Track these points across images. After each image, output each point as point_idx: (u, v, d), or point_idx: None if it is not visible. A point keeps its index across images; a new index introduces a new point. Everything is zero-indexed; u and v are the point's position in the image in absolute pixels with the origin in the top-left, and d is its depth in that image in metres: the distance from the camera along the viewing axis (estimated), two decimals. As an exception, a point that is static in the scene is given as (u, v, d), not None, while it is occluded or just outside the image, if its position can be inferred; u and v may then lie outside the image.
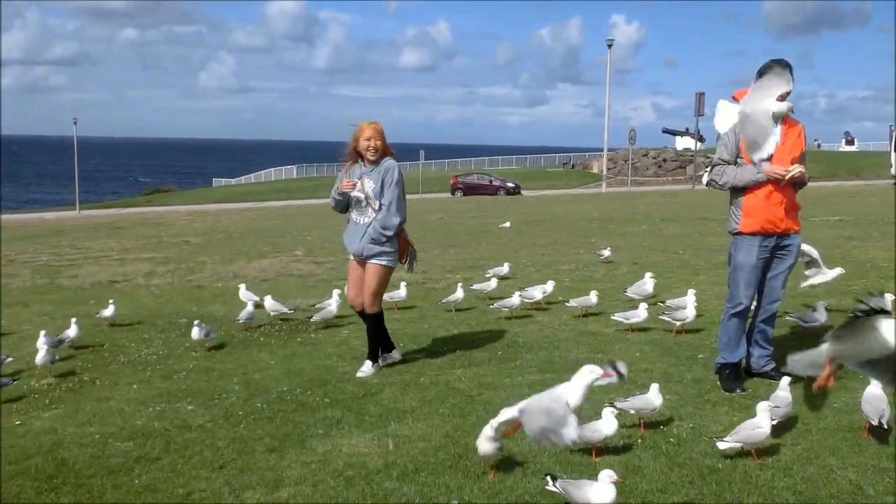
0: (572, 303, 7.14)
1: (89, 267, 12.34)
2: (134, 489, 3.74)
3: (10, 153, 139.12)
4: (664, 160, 52.06)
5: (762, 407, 3.84)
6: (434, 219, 20.82)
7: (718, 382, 5.01)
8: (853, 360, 2.99)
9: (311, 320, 7.18)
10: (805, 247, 6.84)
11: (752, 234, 4.91)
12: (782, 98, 4.76)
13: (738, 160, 4.95)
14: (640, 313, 6.39)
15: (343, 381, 5.39)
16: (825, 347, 2.89)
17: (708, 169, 5.37)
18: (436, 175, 54.11)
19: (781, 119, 4.82)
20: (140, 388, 5.41)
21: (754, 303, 5.15)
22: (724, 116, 5.07)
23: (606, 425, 3.83)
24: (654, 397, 4.19)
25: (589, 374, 3.50)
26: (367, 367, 5.59)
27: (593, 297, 7.08)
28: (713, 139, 7.27)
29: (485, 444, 3.63)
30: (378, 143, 5.53)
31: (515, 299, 7.13)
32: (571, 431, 3.34)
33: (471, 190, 42.27)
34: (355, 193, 5.55)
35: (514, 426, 3.66)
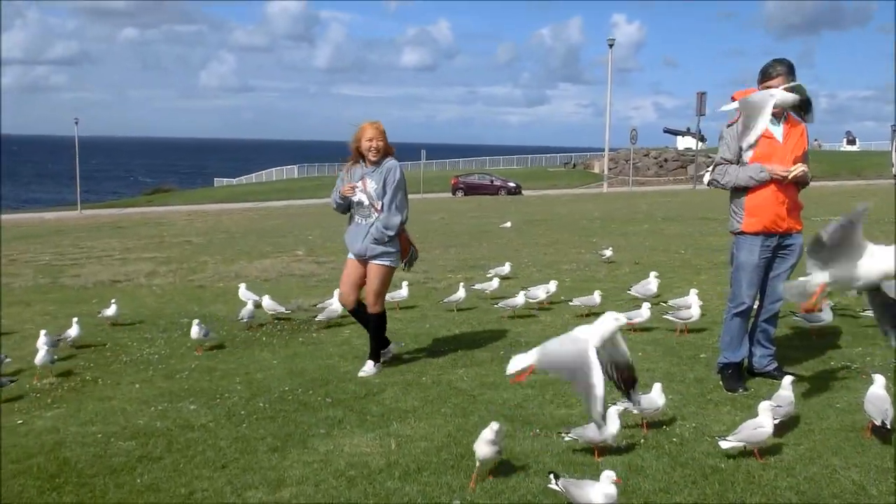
0: (576, 302, 7.14)
1: (91, 266, 12.35)
2: (136, 488, 3.74)
3: (10, 153, 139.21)
4: (665, 160, 52.04)
5: (764, 406, 3.83)
6: (435, 219, 20.82)
7: (721, 382, 5.00)
8: (842, 288, 3.01)
9: (316, 319, 7.20)
10: None
11: (755, 233, 4.90)
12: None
13: (740, 160, 4.94)
14: (643, 313, 6.38)
15: (345, 381, 5.40)
16: (817, 275, 2.89)
17: (709, 168, 5.36)
18: (437, 175, 54.12)
19: (786, 109, 4.78)
20: (142, 388, 5.41)
21: (756, 302, 5.14)
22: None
23: (609, 424, 3.82)
24: (656, 397, 4.19)
25: (612, 321, 3.24)
26: (368, 367, 5.59)
27: (597, 296, 7.09)
28: (714, 139, 7.28)
29: (483, 447, 3.58)
30: (380, 143, 5.53)
31: (520, 299, 7.12)
32: (596, 374, 3.17)
33: (472, 190, 42.27)
34: (357, 196, 5.55)
35: (528, 371, 3.48)
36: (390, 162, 5.57)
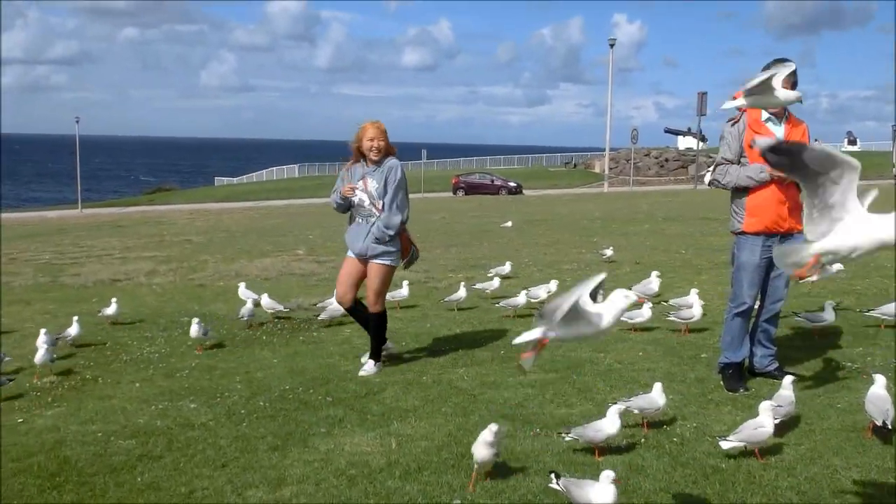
0: None
1: (91, 265, 12.35)
2: (136, 487, 3.74)
3: (11, 152, 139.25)
4: (666, 160, 52.02)
5: (765, 406, 3.83)
6: (436, 218, 20.81)
7: (722, 382, 5.00)
8: (838, 258, 2.93)
9: (318, 318, 7.20)
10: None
11: (756, 233, 4.90)
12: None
13: (742, 159, 4.93)
14: (645, 312, 6.38)
15: (345, 380, 5.39)
16: (814, 245, 2.83)
17: (710, 169, 5.35)
18: (438, 174, 54.11)
19: (789, 105, 4.76)
20: (142, 387, 5.41)
21: (757, 302, 5.14)
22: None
23: (610, 424, 3.82)
24: (657, 397, 4.19)
25: (624, 298, 3.06)
26: (369, 366, 5.59)
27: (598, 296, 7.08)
28: (715, 139, 7.27)
29: (481, 449, 3.55)
30: (381, 143, 5.53)
31: (521, 298, 7.12)
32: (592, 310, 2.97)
33: (472, 189, 42.25)
34: (358, 196, 5.55)
35: (541, 344, 3.27)
36: (392, 161, 5.57)
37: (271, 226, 20.76)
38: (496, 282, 8.11)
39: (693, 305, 6.30)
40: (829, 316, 6.03)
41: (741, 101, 4.54)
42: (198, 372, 5.75)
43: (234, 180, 67.18)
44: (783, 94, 4.54)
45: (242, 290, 7.77)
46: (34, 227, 25.68)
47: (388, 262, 5.59)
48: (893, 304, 6.24)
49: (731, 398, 4.74)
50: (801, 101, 4.76)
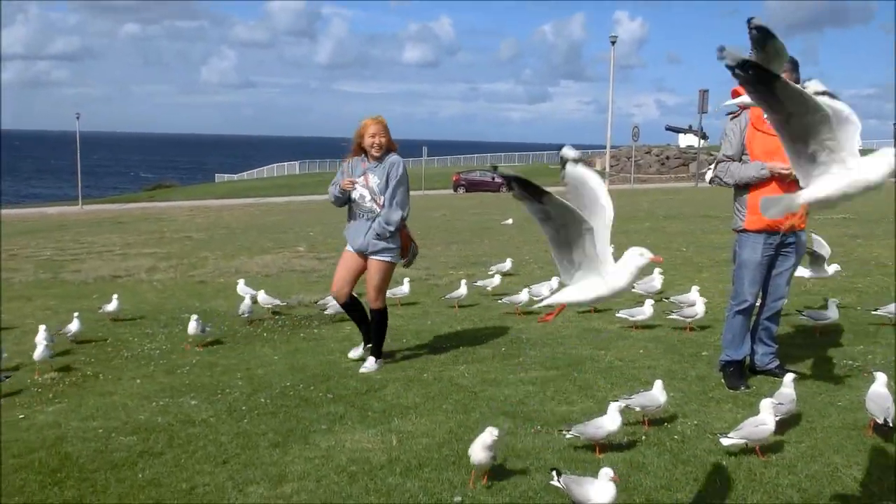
0: None
1: (92, 262, 12.35)
2: (137, 483, 3.74)
3: (11, 148, 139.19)
4: (667, 157, 51.95)
5: (766, 404, 3.83)
6: (437, 215, 20.81)
7: (723, 380, 5.00)
8: (826, 206, 2.86)
9: (325, 312, 7.20)
10: (821, 242, 6.85)
11: (758, 231, 4.89)
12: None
13: (743, 157, 4.93)
14: (646, 310, 6.38)
15: (346, 377, 5.39)
16: (802, 195, 2.77)
17: (711, 166, 5.34)
18: (438, 171, 54.08)
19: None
20: (143, 383, 5.41)
21: (759, 300, 5.13)
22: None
23: (610, 421, 3.82)
24: (658, 394, 4.19)
25: (639, 257, 2.91)
26: (370, 363, 5.59)
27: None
28: (716, 136, 7.25)
29: (479, 451, 3.52)
30: (382, 139, 5.52)
31: (523, 296, 7.13)
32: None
33: (473, 186, 42.21)
34: (359, 191, 5.54)
35: (559, 309, 3.20)
36: (393, 157, 5.57)
37: (272, 222, 20.76)
38: (497, 279, 8.12)
39: (696, 303, 6.31)
40: (832, 314, 6.04)
41: (744, 99, 4.53)
42: (199, 368, 5.75)
43: (235, 177, 67.15)
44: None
45: (241, 287, 7.79)
46: (35, 223, 25.68)
47: (388, 259, 5.59)
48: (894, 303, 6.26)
49: (732, 396, 4.74)
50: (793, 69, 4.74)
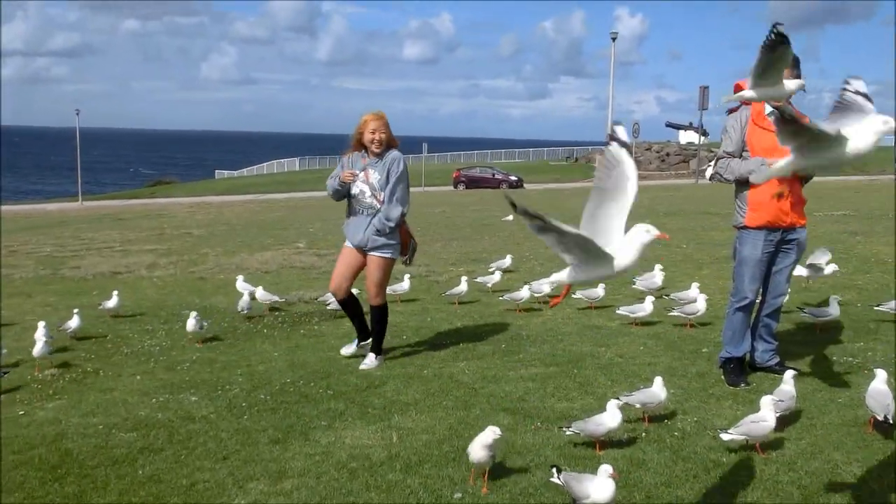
0: (579, 294, 7.16)
1: (92, 258, 12.34)
2: (137, 479, 3.74)
3: (11, 144, 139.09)
4: (667, 154, 51.93)
5: (766, 401, 3.83)
6: (437, 212, 20.79)
7: (723, 376, 5.00)
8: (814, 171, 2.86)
9: (328, 307, 7.20)
10: (823, 256, 6.84)
11: (758, 228, 4.89)
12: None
13: (744, 153, 4.92)
14: (646, 307, 6.38)
15: (346, 374, 5.39)
16: (790, 160, 2.76)
17: (712, 163, 5.33)
18: (438, 168, 54.03)
19: (792, 98, 4.72)
20: (143, 379, 5.41)
21: (759, 297, 5.13)
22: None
23: (611, 418, 3.82)
24: (658, 391, 4.19)
25: (645, 234, 2.84)
26: (370, 360, 5.59)
27: (600, 289, 7.11)
28: (717, 133, 7.24)
29: (479, 450, 3.50)
30: (383, 135, 5.50)
31: (524, 292, 7.13)
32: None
33: (473, 183, 42.18)
34: (359, 186, 5.53)
35: (564, 292, 3.14)
36: (394, 153, 5.55)
37: (272, 219, 20.75)
38: (497, 275, 8.11)
39: (697, 300, 6.31)
40: (833, 310, 6.03)
41: (748, 94, 4.50)
42: (199, 365, 5.75)
43: (235, 173, 67.10)
44: (787, 84, 4.51)
45: (240, 283, 7.80)
46: (35, 219, 25.67)
47: (388, 255, 5.58)
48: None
49: (732, 393, 4.74)
50: (804, 90, 4.73)
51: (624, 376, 5.11)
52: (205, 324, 6.49)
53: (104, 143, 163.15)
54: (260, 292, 7.42)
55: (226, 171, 68.93)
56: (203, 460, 3.94)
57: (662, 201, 22.75)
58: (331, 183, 5.65)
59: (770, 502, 3.38)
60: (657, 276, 7.41)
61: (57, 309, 7.87)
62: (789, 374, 4.26)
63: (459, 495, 3.48)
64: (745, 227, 4.95)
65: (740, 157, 4.92)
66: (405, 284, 7.70)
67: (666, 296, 7.01)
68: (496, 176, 43.39)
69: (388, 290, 6.23)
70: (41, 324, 5.87)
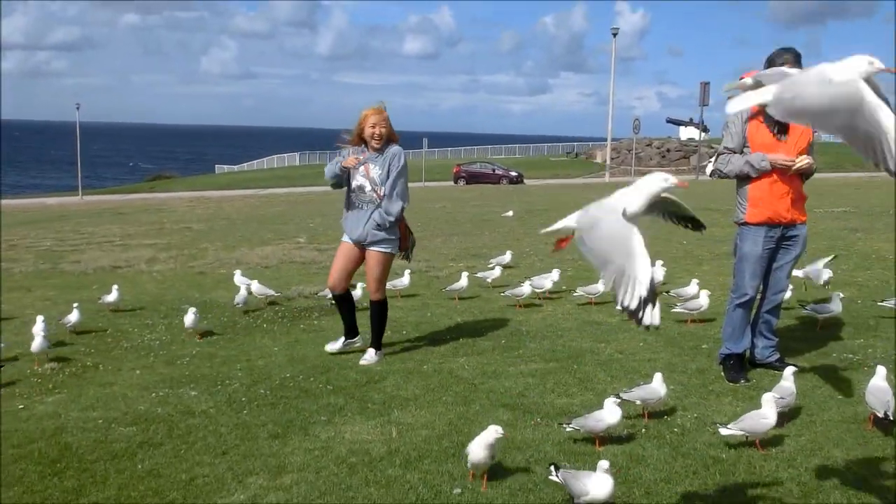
0: (579, 291, 7.15)
1: (92, 252, 12.33)
2: (137, 474, 3.74)
3: (11, 138, 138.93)
4: (668, 150, 51.90)
5: (768, 398, 3.82)
6: (437, 207, 20.77)
7: (722, 373, 5.00)
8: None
9: (329, 302, 7.20)
10: (824, 272, 6.81)
11: (758, 224, 4.88)
12: None
13: (745, 149, 4.91)
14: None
15: (346, 369, 5.39)
16: (776, 90, 2.66)
17: (712, 159, 5.32)
18: (439, 163, 54.00)
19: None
20: (143, 374, 5.41)
21: (759, 293, 5.13)
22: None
23: (610, 414, 3.82)
24: (658, 387, 4.18)
25: (660, 181, 2.73)
26: (369, 355, 5.59)
27: (601, 284, 7.09)
28: (717, 129, 7.21)
29: (480, 450, 3.47)
30: (383, 129, 5.49)
31: (525, 288, 7.12)
32: (640, 262, 2.71)
33: (474, 179, 42.17)
34: (358, 181, 5.51)
35: (567, 238, 3.05)
36: (394, 148, 5.54)
37: (272, 214, 20.73)
38: (497, 271, 8.11)
39: (700, 296, 6.31)
40: (836, 307, 6.02)
41: (749, 81, 4.46)
42: (198, 359, 5.75)
43: (235, 168, 67.07)
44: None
45: (238, 278, 7.81)
46: (34, 213, 25.67)
47: (388, 250, 5.58)
48: None
49: (732, 389, 4.74)
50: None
51: (624, 372, 5.10)
52: (197, 315, 6.41)
53: (104, 138, 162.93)
54: (255, 286, 7.42)
55: (226, 166, 68.90)
56: (202, 455, 3.94)
57: (663, 197, 22.72)
58: (330, 167, 5.58)
59: (769, 499, 3.37)
60: (658, 272, 7.41)
61: (57, 303, 7.87)
62: (789, 371, 4.26)
63: (459, 491, 3.48)
64: (745, 224, 4.94)
65: (741, 153, 4.91)
66: (405, 280, 7.70)
67: (665, 292, 7.01)
68: (496, 171, 43.37)
69: (388, 285, 6.23)
70: (39, 318, 5.87)
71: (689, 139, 52.19)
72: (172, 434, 4.23)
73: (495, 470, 3.62)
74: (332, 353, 5.75)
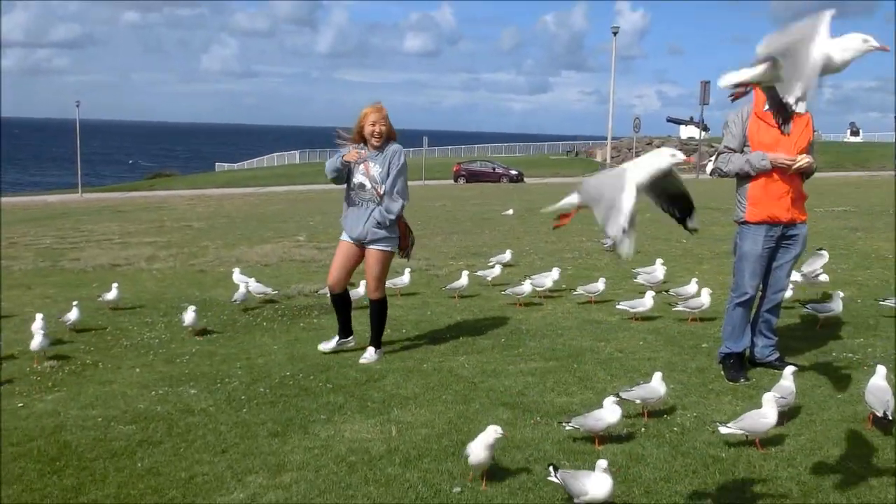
0: (580, 290, 7.15)
1: (91, 250, 12.33)
2: (136, 472, 3.74)
3: (11, 136, 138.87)
4: (668, 149, 51.93)
5: (768, 397, 3.82)
6: (437, 205, 20.77)
7: (722, 372, 5.00)
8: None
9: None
10: (818, 261, 6.80)
11: (759, 223, 4.88)
12: None
13: (745, 148, 4.91)
14: (646, 302, 6.38)
15: (346, 367, 5.39)
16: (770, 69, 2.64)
17: (712, 158, 5.32)
18: (439, 162, 53.98)
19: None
20: (142, 372, 5.41)
21: (759, 292, 5.12)
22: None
23: (610, 413, 3.81)
24: (658, 386, 4.18)
25: (668, 157, 2.69)
26: (369, 354, 5.58)
27: (601, 283, 7.10)
28: (717, 128, 7.20)
29: (480, 451, 3.45)
30: (382, 127, 5.49)
31: (526, 287, 7.12)
32: (626, 195, 2.64)
33: (474, 177, 42.18)
34: (358, 178, 5.51)
35: (569, 214, 3.09)
36: (394, 146, 5.54)
37: (272, 212, 20.74)
38: (497, 269, 8.11)
39: (701, 294, 6.31)
40: (836, 306, 6.02)
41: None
42: (198, 358, 5.75)
43: (235, 166, 67.03)
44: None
45: (237, 276, 7.81)
46: (34, 211, 25.66)
47: (388, 248, 5.57)
48: None
49: (732, 388, 4.74)
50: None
51: (623, 371, 5.10)
52: (196, 314, 6.41)
53: (104, 135, 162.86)
54: (253, 284, 7.42)
55: (226, 164, 68.85)
56: (202, 453, 3.94)
57: (663, 196, 22.72)
58: (331, 163, 5.58)
59: (769, 498, 3.37)
60: (658, 271, 7.40)
61: (56, 301, 7.86)
62: (789, 370, 4.25)
63: (458, 489, 3.48)
64: (745, 223, 4.94)
65: (741, 152, 4.91)
66: (405, 278, 7.70)
67: (666, 291, 7.01)
68: (496, 170, 43.38)
69: (388, 283, 6.22)
70: (39, 316, 5.86)
71: (690, 138, 52.19)
72: (172, 432, 4.23)
73: (495, 469, 3.62)
74: (325, 353, 5.74)
